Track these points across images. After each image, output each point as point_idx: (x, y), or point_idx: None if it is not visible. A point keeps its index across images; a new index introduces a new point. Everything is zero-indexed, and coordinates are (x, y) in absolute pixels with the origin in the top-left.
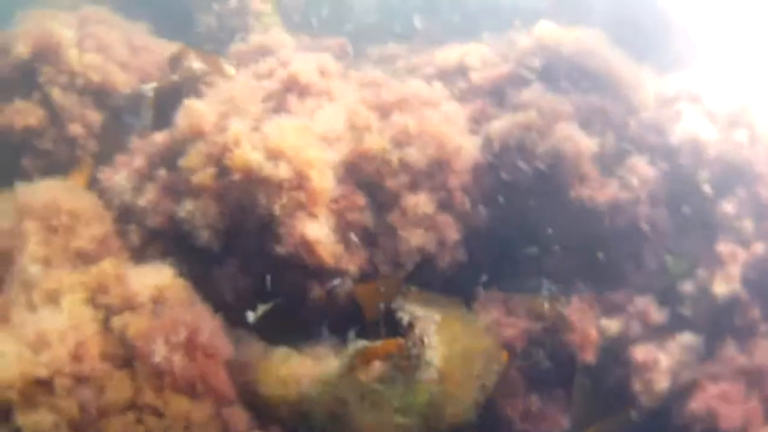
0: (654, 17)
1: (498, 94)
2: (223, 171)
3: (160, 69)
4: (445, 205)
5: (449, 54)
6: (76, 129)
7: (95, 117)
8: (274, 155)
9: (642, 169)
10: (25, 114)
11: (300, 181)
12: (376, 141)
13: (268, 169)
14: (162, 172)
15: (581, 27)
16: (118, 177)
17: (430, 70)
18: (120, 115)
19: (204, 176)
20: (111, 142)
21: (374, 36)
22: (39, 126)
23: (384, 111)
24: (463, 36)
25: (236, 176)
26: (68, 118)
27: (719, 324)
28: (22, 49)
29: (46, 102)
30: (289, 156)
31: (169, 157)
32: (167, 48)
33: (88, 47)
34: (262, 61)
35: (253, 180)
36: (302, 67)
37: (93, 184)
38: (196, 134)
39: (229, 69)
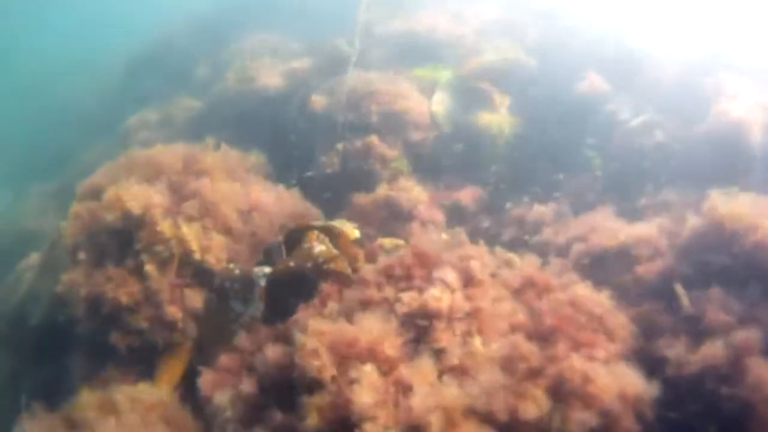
0: None
1: (666, 293)
2: None
3: (275, 234)
4: None
5: (606, 232)
6: (174, 312)
7: (196, 299)
8: None
9: None
10: (117, 285)
11: None
12: (534, 407)
13: None
14: (275, 415)
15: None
16: (221, 398)
17: (581, 249)
18: (226, 299)
19: None
20: (214, 329)
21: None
22: (132, 303)
23: (542, 336)
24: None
25: None
26: (166, 300)
27: None
28: (111, 218)
29: (141, 271)
30: None
31: (284, 387)
32: (283, 203)
33: (189, 211)
34: (389, 256)
35: None
36: (442, 290)
37: (190, 381)
38: (313, 383)
39: (353, 231)
